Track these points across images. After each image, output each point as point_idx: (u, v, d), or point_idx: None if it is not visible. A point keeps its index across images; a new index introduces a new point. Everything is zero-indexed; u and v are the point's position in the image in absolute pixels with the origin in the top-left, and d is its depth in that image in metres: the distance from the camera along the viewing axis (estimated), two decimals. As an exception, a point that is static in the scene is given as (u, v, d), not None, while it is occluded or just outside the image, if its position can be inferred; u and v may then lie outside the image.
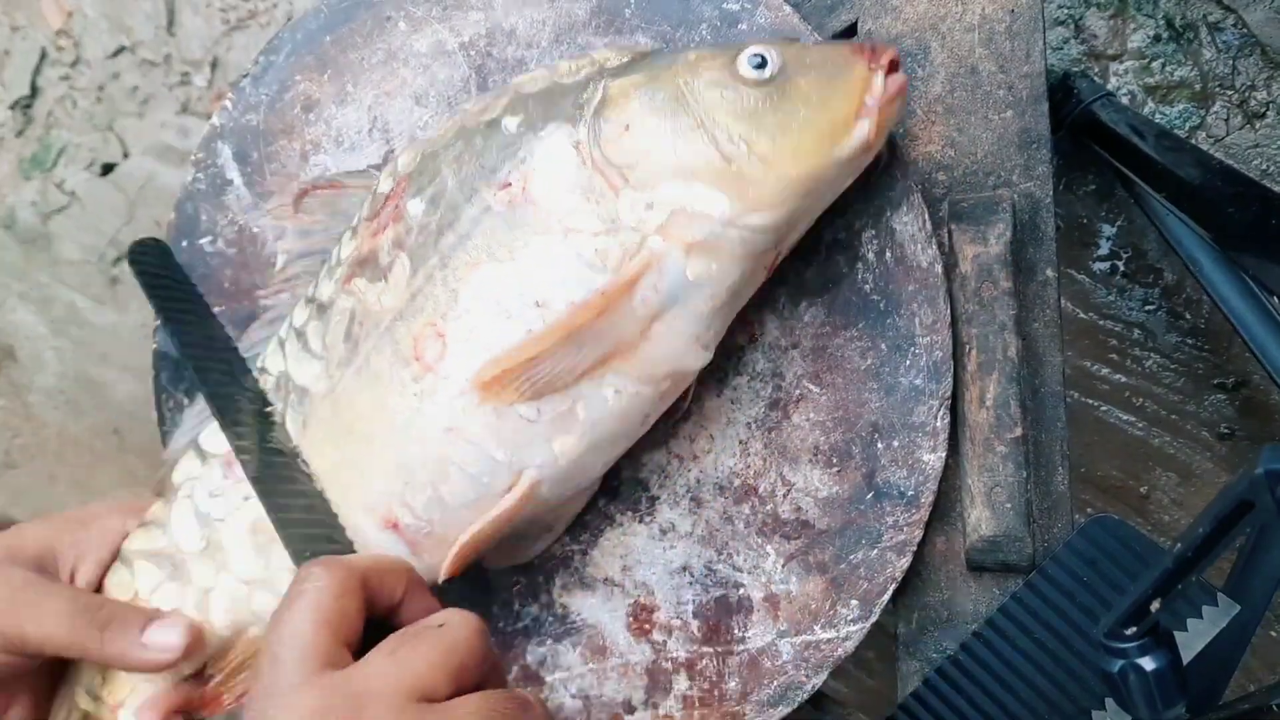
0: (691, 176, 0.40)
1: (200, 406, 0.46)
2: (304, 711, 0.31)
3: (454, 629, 0.34)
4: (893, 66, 0.42)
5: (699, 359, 0.43)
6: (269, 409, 0.46)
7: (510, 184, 0.41)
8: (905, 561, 0.48)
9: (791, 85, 0.41)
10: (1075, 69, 0.91)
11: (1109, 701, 0.44)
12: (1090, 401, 0.92)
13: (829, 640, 0.48)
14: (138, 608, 0.43)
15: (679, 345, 0.42)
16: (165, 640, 0.42)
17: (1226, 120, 0.89)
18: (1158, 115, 0.90)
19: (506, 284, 0.41)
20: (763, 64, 0.41)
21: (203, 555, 0.45)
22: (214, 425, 0.45)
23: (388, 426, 0.43)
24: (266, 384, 0.46)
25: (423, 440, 0.42)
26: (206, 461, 0.46)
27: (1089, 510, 0.92)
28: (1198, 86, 0.90)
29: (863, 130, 0.41)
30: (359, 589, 0.34)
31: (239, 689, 0.44)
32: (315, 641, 0.33)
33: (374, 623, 0.35)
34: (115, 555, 0.46)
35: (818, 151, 0.41)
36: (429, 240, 0.42)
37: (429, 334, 0.41)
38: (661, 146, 0.40)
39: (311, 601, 0.33)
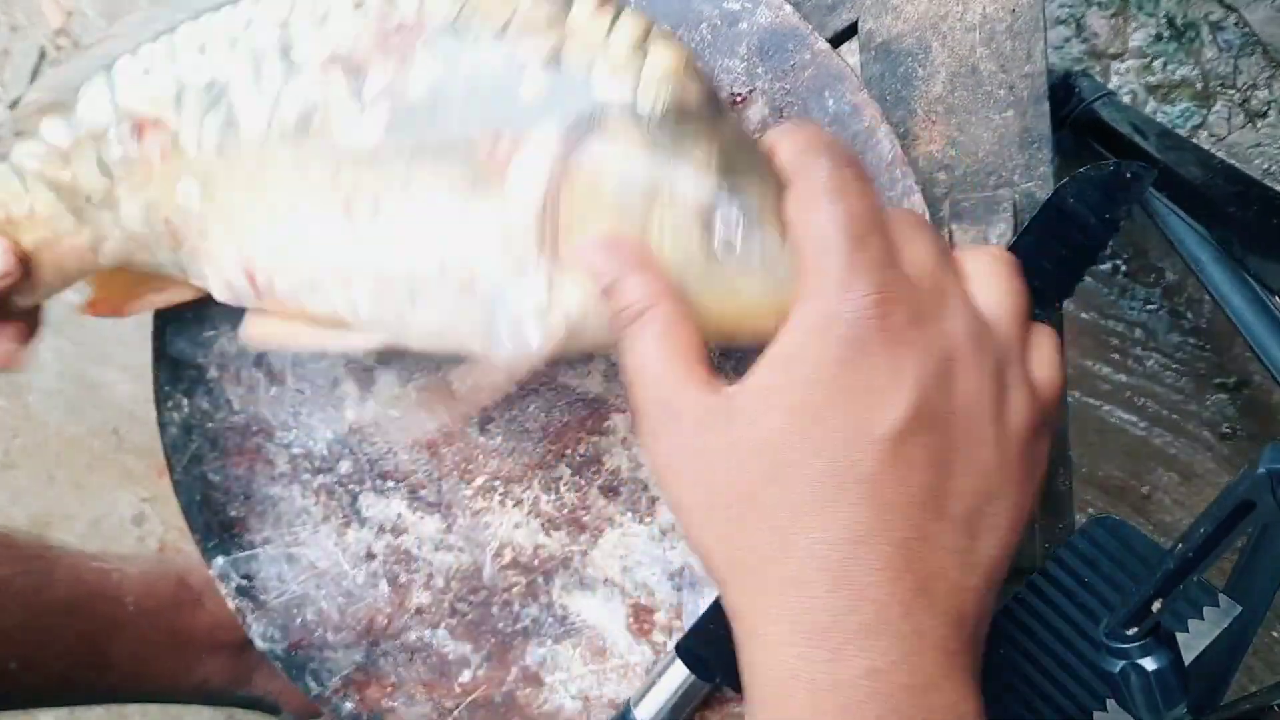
0: None
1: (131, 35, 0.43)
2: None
3: None
4: None
5: None
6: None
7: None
8: (906, 562, 0.47)
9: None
10: (1077, 68, 0.90)
11: (1110, 702, 0.44)
12: (1091, 401, 0.92)
13: (829, 641, 0.48)
14: None
15: None
16: None
17: (1228, 119, 0.89)
18: (1159, 114, 0.90)
19: None
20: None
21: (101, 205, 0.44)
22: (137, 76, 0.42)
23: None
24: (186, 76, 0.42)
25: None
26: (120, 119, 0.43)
27: (1090, 510, 0.92)
28: (1199, 85, 0.90)
29: None
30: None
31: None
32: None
33: None
34: None
35: None
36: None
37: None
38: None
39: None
